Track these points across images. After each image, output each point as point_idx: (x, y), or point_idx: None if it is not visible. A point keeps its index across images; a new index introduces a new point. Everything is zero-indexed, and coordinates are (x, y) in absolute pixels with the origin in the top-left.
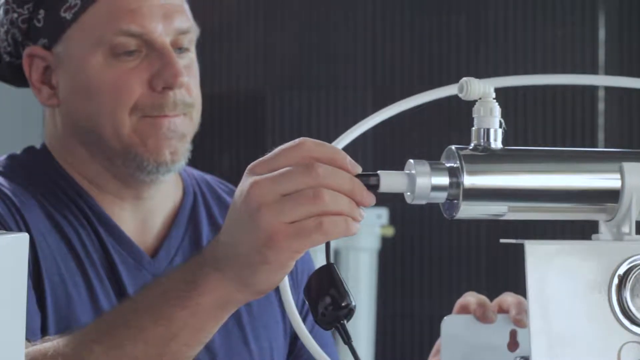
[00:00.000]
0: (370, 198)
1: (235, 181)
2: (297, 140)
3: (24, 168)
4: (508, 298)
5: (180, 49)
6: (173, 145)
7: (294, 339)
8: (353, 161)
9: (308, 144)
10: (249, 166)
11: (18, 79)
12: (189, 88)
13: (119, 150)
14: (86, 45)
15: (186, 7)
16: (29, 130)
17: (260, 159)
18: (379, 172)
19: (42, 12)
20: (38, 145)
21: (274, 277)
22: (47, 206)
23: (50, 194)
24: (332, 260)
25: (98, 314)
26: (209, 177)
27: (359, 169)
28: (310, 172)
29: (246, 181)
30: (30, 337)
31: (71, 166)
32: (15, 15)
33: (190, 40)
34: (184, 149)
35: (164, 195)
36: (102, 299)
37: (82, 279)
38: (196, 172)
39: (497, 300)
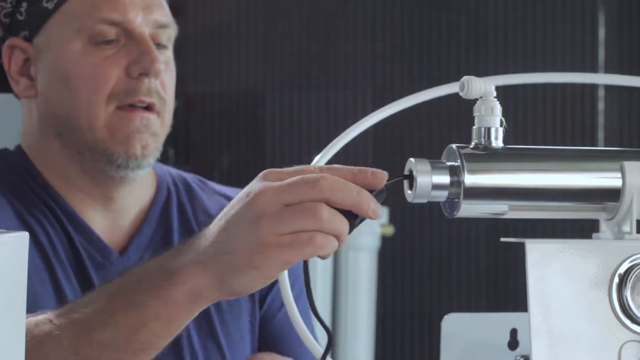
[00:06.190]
0: (378, 212)
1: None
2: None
3: None
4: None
5: (158, 45)
6: (144, 139)
7: (262, 323)
8: (378, 170)
9: (331, 169)
10: (263, 171)
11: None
12: (164, 82)
13: (91, 143)
14: (66, 34)
15: (165, 4)
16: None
17: (278, 169)
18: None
19: (24, 4)
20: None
21: (255, 283)
22: (17, 205)
23: (20, 193)
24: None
25: None
26: (188, 175)
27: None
28: (315, 186)
29: (255, 186)
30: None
31: (43, 162)
32: None
33: (169, 37)
34: (154, 146)
35: (136, 196)
36: (69, 296)
37: (49, 276)
38: (173, 170)
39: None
